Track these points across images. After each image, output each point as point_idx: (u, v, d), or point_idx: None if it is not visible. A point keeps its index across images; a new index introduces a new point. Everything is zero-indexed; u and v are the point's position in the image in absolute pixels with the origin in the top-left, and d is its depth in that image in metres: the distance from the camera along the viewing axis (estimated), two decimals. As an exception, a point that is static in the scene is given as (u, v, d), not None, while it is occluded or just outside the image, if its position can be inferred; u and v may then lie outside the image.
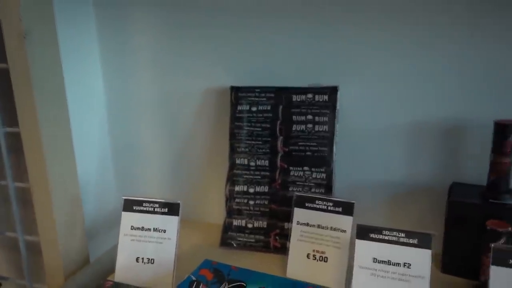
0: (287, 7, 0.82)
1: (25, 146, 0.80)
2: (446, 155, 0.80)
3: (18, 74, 0.76)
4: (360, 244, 0.64)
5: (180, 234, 0.74)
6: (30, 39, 0.74)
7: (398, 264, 0.61)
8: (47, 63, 0.79)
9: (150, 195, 0.79)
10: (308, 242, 0.75)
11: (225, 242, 0.86)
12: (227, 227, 0.87)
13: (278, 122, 0.84)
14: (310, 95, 0.83)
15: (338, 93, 0.81)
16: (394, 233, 0.62)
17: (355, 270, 0.63)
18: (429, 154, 0.81)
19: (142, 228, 0.76)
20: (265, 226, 0.85)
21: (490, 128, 0.71)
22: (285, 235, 0.81)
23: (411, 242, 0.61)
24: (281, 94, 0.84)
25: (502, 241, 0.64)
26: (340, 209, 0.73)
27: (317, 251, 0.74)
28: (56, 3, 0.81)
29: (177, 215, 0.74)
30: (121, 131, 1.03)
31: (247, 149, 0.86)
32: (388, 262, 0.62)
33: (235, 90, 0.87)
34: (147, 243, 0.75)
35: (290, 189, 0.83)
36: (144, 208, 0.76)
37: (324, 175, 0.81)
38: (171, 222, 0.75)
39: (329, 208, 0.74)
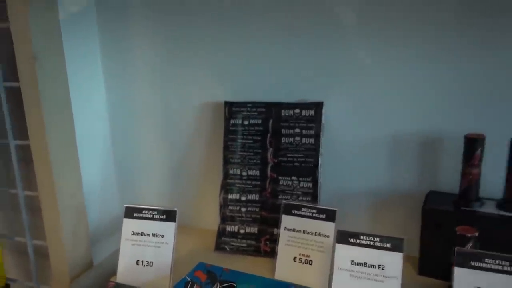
0: (277, 33, 0.88)
1: (34, 157, 0.85)
2: (423, 165, 0.85)
3: (29, 92, 0.82)
4: (339, 248, 0.69)
5: (177, 239, 0.78)
6: (40, 61, 0.80)
7: (373, 266, 0.67)
8: (54, 82, 0.84)
9: (149, 203, 0.83)
10: (295, 247, 0.79)
11: (219, 247, 0.91)
12: (221, 233, 0.92)
13: (268, 135, 0.90)
14: (297, 110, 0.88)
15: (324, 108, 0.87)
16: (370, 238, 0.68)
17: (335, 271, 0.68)
18: (407, 165, 0.86)
19: (142, 234, 0.80)
20: (256, 232, 0.90)
21: (462, 141, 0.75)
22: (274, 240, 0.85)
23: (385, 246, 0.67)
24: (271, 109, 0.90)
25: (470, 245, 0.69)
26: (323, 216, 0.78)
27: (303, 255, 0.78)
28: (62, 22, 0.85)
29: (174, 221, 0.79)
30: (122, 143, 1.07)
31: (239, 160, 0.92)
32: (365, 264, 0.67)
33: (228, 105, 0.93)
34: (147, 247, 0.80)
35: (279, 197, 0.88)
36: (144, 215, 0.81)
37: (310, 184, 0.87)
38: (169, 228, 0.79)
39: (313, 215, 0.79)
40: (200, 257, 0.85)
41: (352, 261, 0.68)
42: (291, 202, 0.82)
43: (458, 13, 0.77)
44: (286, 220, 0.81)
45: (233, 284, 0.70)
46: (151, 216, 0.81)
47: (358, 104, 0.87)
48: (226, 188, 0.92)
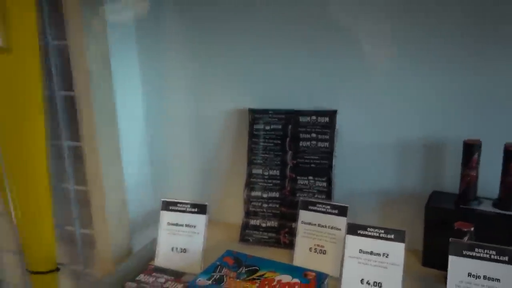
0: (298, 45, 0.96)
1: (85, 157, 0.97)
2: (427, 168, 0.92)
3: (82, 100, 0.94)
4: (349, 238, 0.78)
5: (207, 231, 0.88)
6: (92, 74, 0.92)
7: (378, 254, 0.75)
8: (103, 92, 0.96)
9: (182, 198, 0.92)
10: (311, 238, 0.88)
11: (243, 238, 1.00)
12: (245, 226, 1.01)
13: (288, 139, 0.99)
14: (314, 117, 0.97)
15: (337, 115, 0.95)
16: (376, 230, 0.77)
17: (345, 259, 0.77)
18: (413, 167, 0.93)
19: (177, 224, 0.90)
20: (276, 226, 0.99)
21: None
22: (293, 233, 0.93)
23: (389, 237, 0.76)
24: (290, 116, 0.98)
25: (466, 238, 0.76)
26: (336, 211, 0.87)
27: (318, 245, 0.87)
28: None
29: (205, 213, 0.89)
30: (158, 145, 1.15)
31: (262, 161, 1.01)
32: (371, 253, 0.76)
33: (252, 112, 1.02)
34: (180, 236, 0.89)
35: (297, 195, 0.97)
36: (178, 208, 0.91)
37: (325, 184, 0.96)
38: (200, 220, 0.89)
39: (327, 210, 0.88)
40: (226, 246, 0.90)
41: (360, 250, 0.77)
42: (308, 199, 0.91)
43: (468, 25, 0.83)
44: (303, 215, 0.90)
45: (257, 267, 0.80)
46: (185, 209, 0.91)
47: (369, 112, 0.94)
48: (249, 186, 1.01)
